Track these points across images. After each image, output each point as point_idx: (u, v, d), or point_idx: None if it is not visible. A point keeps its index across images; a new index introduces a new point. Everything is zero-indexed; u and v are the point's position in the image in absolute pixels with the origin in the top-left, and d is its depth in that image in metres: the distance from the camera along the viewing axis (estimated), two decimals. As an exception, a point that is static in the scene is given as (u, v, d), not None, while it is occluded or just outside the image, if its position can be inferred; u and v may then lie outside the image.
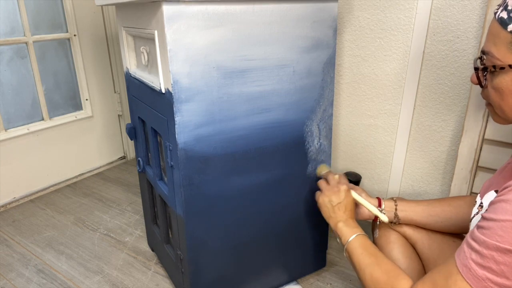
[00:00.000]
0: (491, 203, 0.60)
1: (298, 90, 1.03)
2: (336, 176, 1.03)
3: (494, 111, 0.68)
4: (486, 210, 0.61)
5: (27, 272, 1.40)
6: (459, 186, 1.24)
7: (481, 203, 0.72)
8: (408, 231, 0.98)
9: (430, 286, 0.64)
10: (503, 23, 0.60)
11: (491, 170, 1.17)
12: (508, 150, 1.12)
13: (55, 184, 2.03)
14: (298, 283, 1.30)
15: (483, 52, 0.65)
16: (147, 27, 0.93)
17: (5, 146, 1.80)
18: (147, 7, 0.89)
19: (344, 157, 1.64)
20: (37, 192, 1.96)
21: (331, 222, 0.96)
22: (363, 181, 1.61)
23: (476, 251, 0.58)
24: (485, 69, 0.65)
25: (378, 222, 1.01)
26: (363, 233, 0.90)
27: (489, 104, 0.69)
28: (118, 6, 1.15)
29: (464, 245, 0.61)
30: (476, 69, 0.67)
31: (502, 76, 0.62)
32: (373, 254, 0.82)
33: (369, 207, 0.98)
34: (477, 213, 0.72)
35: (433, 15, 1.24)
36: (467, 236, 0.62)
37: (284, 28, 0.96)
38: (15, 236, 1.62)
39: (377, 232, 1.02)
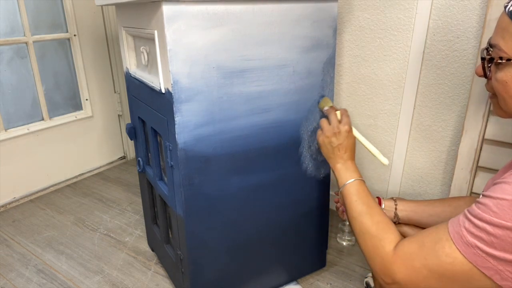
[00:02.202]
0: (493, 184, 0.61)
1: (298, 90, 1.03)
2: (338, 114, 0.99)
3: (497, 104, 0.69)
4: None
5: (27, 272, 1.40)
6: (459, 186, 1.24)
7: None
8: (408, 230, 0.97)
9: (417, 246, 0.65)
10: None
11: (491, 170, 1.17)
12: (508, 150, 1.12)
13: (55, 184, 2.03)
14: (298, 283, 1.30)
15: (490, 44, 0.66)
16: (147, 27, 0.93)
17: (5, 146, 1.80)
18: (147, 7, 0.89)
19: (344, 157, 1.64)
20: (37, 192, 1.96)
21: (330, 163, 0.96)
22: (363, 181, 1.61)
23: (470, 221, 0.60)
24: (491, 60, 0.65)
25: None
26: (361, 178, 0.89)
27: (492, 97, 0.70)
28: (118, 6, 1.15)
29: (460, 216, 0.63)
30: (482, 59, 0.67)
31: (507, 69, 0.62)
32: (366, 203, 0.82)
33: (369, 147, 0.98)
34: None
35: (433, 15, 1.24)
36: (465, 210, 0.63)
37: (284, 28, 0.96)
38: (15, 236, 1.62)
39: None
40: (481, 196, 0.62)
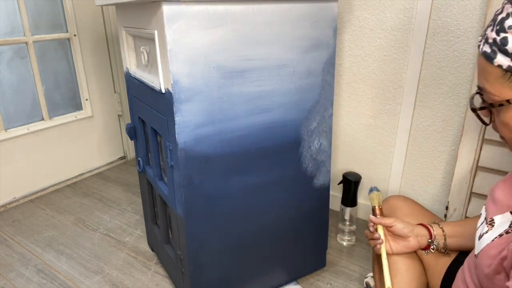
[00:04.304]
0: None
1: (298, 90, 1.03)
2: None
3: (507, 143, 0.64)
4: None
5: (27, 272, 1.40)
6: (459, 186, 1.24)
7: (492, 220, 0.66)
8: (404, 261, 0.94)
9: None
10: (488, 57, 0.57)
11: (491, 170, 1.17)
12: (508, 150, 1.12)
13: (55, 184, 2.03)
14: (298, 283, 1.30)
15: (479, 87, 0.62)
16: (147, 27, 0.93)
17: (5, 146, 1.80)
18: (147, 7, 0.89)
19: (344, 157, 1.64)
20: (37, 192, 1.96)
21: None
22: (363, 181, 1.61)
23: None
24: (490, 105, 0.61)
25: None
26: None
27: (501, 137, 0.65)
28: (118, 6, 1.15)
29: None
30: (473, 110, 0.62)
31: (506, 111, 0.58)
32: None
33: (385, 271, 0.89)
34: (486, 231, 0.66)
35: (433, 15, 1.24)
36: None
37: (284, 28, 0.96)
38: (15, 236, 1.62)
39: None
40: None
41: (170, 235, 1.24)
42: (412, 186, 1.47)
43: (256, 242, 1.13)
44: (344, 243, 1.51)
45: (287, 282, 1.27)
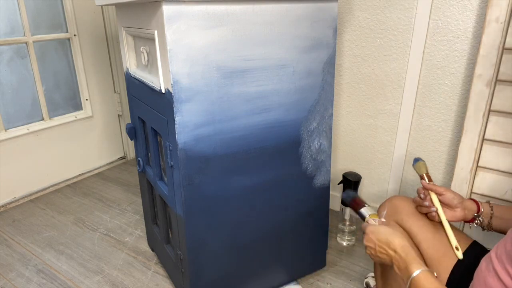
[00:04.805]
0: None
1: (298, 90, 1.03)
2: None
3: None
4: None
5: (27, 272, 1.40)
6: (459, 186, 1.24)
7: None
8: (414, 229, 0.96)
9: None
10: None
11: (491, 170, 1.17)
12: (508, 150, 1.12)
13: (55, 184, 2.03)
14: (298, 283, 1.30)
15: None
16: (147, 27, 0.93)
17: (5, 146, 1.80)
18: (147, 7, 0.89)
19: (344, 157, 1.64)
20: (37, 192, 1.96)
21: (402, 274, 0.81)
22: (363, 181, 1.61)
23: None
24: None
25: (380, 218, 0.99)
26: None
27: None
28: (118, 6, 1.15)
29: None
30: None
31: None
32: None
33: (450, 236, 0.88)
34: None
35: (433, 15, 1.24)
36: None
37: (284, 28, 0.96)
38: (15, 236, 1.62)
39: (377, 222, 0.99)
40: None
41: (170, 235, 1.24)
42: (412, 186, 1.47)
43: (256, 242, 1.13)
44: (344, 243, 1.51)
45: (287, 282, 1.27)
